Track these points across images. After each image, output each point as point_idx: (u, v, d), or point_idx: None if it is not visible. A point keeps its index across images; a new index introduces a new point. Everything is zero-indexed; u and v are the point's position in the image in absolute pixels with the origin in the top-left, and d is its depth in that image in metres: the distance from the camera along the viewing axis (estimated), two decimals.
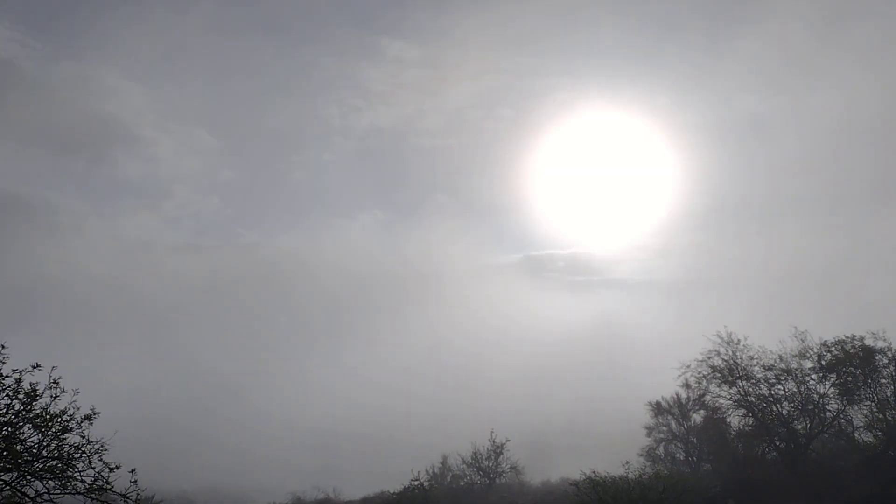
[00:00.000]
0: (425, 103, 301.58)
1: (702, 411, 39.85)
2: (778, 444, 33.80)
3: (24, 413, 14.82)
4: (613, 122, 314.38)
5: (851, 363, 32.87)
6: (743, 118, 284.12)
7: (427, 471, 42.33)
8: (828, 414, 33.30)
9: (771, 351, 34.37)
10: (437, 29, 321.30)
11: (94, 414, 15.28)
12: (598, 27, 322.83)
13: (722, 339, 34.99)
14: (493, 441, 42.72)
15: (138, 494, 15.27)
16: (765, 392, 33.96)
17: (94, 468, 14.97)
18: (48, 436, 14.92)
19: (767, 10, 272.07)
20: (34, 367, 14.77)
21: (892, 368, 32.55)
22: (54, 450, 14.94)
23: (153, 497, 32.91)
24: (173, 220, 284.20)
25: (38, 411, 14.90)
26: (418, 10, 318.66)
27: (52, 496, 14.83)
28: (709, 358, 34.99)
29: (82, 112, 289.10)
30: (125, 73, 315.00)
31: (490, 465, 42.61)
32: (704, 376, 35.37)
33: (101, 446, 15.16)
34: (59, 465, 14.88)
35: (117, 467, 15.06)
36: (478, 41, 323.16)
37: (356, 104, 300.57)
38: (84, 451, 15.01)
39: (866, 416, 33.03)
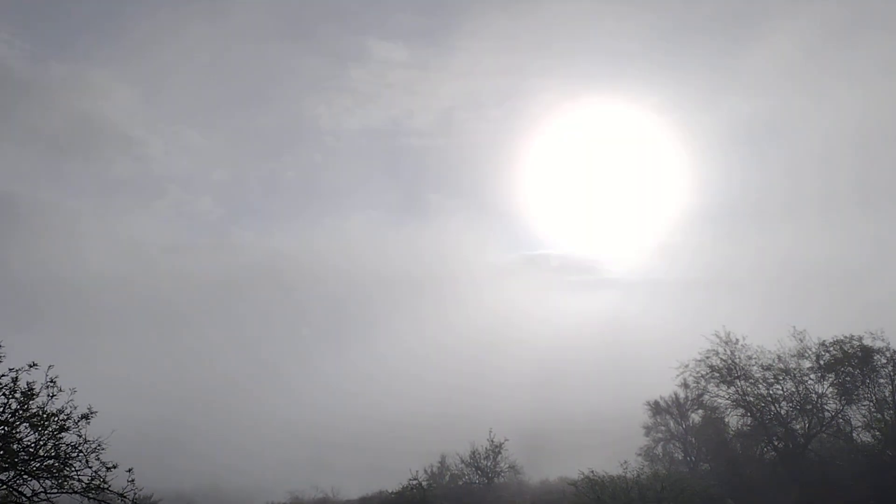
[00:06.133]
0: (413, 103, 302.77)
1: (700, 411, 39.80)
2: (776, 443, 33.80)
3: (20, 412, 14.77)
4: (606, 121, 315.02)
5: (850, 363, 32.88)
6: (742, 119, 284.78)
7: (426, 470, 42.27)
8: (826, 414, 33.30)
9: (769, 351, 34.46)
10: (423, 29, 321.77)
11: (91, 413, 15.24)
12: (588, 27, 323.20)
13: (720, 338, 35.05)
14: (492, 440, 42.62)
15: (135, 493, 15.24)
16: (763, 392, 33.96)
17: (91, 467, 14.94)
18: (45, 435, 14.88)
19: (768, 15, 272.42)
20: (31, 367, 14.73)
21: (890, 368, 32.55)
22: (51, 449, 14.91)
23: (151, 496, 32.85)
24: (166, 220, 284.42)
25: (34, 410, 14.86)
26: (403, 11, 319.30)
27: (48, 495, 14.80)
28: (707, 357, 35.03)
29: (73, 112, 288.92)
30: (115, 73, 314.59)
31: (488, 464, 42.51)
32: (703, 376, 35.41)
33: (98, 445, 15.13)
34: (56, 464, 14.85)
35: (114, 466, 15.03)
36: (464, 41, 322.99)
37: (345, 104, 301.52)
38: (81, 451, 14.98)
39: (864, 416, 33.02)
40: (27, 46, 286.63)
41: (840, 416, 33.28)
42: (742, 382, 34.20)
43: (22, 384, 14.76)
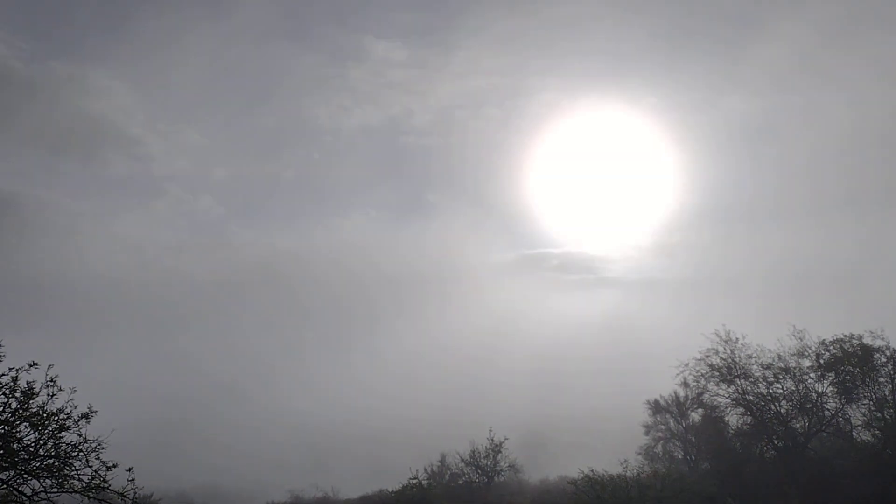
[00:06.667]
0: (412, 103, 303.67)
1: (700, 410, 39.81)
2: (776, 442, 33.77)
3: (20, 412, 14.76)
4: (604, 121, 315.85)
5: (850, 362, 32.82)
6: (740, 120, 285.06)
7: (426, 469, 42.26)
8: (826, 413, 33.27)
9: (769, 349, 34.37)
10: (422, 28, 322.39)
11: (91, 412, 15.23)
12: (588, 27, 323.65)
13: (720, 337, 34.97)
14: (492, 440, 42.63)
15: (136, 493, 15.23)
16: (763, 391, 33.93)
17: (91, 466, 14.94)
18: (45, 434, 14.87)
19: (764, 17, 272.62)
20: (31, 366, 14.72)
21: (890, 367, 32.51)
22: (51, 448, 14.90)
23: (151, 496, 32.74)
24: (166, 220, 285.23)
25: (34, 410, 14.85)
26: (402, 10, 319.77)
27: (49, 495, 14.79)
28: (707, 356, 34.96)
29: (72, 112, 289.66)
30: (113, 73, 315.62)
31: (488, 463, 42.50)
32: (703, 375, 35.35)
33: (98, 445, 15.12)
34: (56, 463, 14.84)
35: (114, 466, 15.02)
36: (463, 41, 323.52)
37: (344, 104, 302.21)
38: (81, 450, 14.97)
39: (864, 415, 32.97)
40: (27, 46, 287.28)
41: (840, 414, 33.26)
42: (742, 381, 34.17)
43: (22, 384, 14.76)
